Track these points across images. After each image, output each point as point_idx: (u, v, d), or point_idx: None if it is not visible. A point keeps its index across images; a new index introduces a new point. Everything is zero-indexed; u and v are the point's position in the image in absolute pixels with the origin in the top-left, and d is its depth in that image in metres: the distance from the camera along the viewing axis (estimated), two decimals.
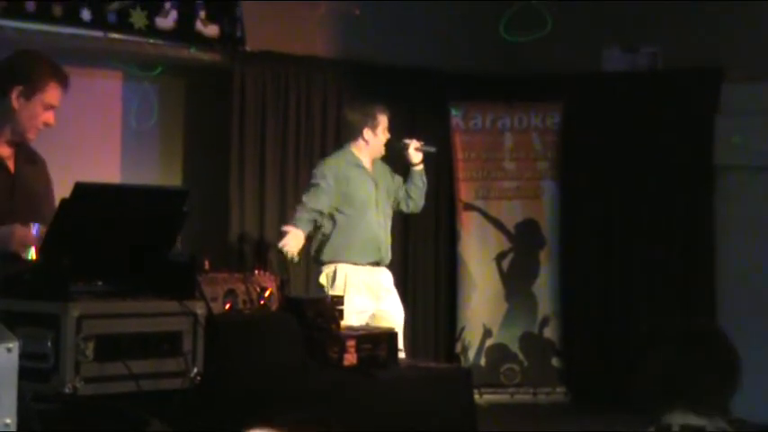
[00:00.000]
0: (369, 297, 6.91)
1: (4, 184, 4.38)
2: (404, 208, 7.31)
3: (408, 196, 7.22)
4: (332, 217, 6.93)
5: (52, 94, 4.39)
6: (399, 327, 6.70)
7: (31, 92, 4.34)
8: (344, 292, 6.59)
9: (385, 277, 7.10)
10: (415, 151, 7.15)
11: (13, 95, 4.33)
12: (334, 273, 6.91)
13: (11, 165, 4.44)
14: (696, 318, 3.16)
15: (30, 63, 4.43)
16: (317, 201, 6.88)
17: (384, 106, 7.28)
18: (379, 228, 7.02)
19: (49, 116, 4.41)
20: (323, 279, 6.96)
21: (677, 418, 3.05)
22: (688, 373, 3.05)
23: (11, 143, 4.43)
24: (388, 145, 7.15)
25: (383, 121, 7.04)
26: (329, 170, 6.95)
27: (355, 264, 6.93)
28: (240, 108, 8.27)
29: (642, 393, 3.09)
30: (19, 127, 4.38)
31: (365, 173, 7.03)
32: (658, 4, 9.08)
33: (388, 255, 7.10)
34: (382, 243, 7.03)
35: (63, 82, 4.41)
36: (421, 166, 7.19)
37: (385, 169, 7.23)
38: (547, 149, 9.32)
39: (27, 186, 4.47)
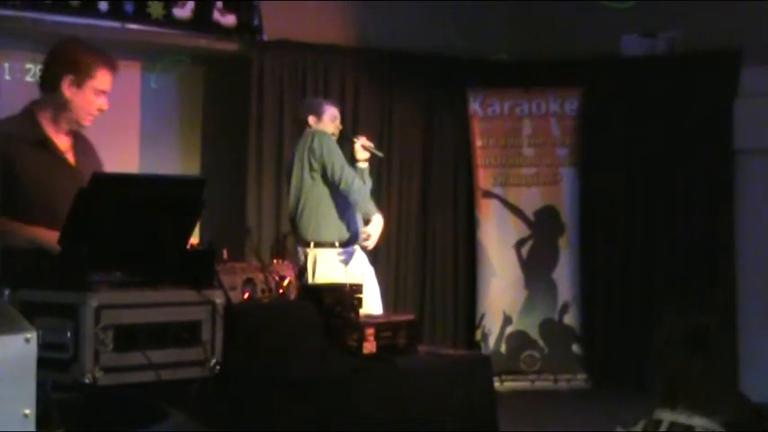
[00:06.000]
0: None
1: (69, 179, 4.35)
2: None
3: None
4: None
5: (102, 79, 4.48)
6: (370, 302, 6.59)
7: (81, 80, 4.42)
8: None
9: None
10: (360, 148, 7.05)
11: (65, 85, 4.41)
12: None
13: (71, 157, 4.51)
14: (701, 319, 3.16)
15: (76, 51, 4.48)
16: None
17: (333, 101, 7.30)
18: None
19: (102, 102, 4.50)
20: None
21: (668, 415, 3.06)
22: (689, 377, 3.06)
23: (68, 133, 4.50)
24: (342, 138, 7.10)
25: (329, 111, 7.01)
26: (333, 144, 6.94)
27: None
28: (258, 97, 8.29)
29: (653, 393, 3.11)
30: (74, 115, 4.46)
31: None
32: None
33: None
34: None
35: (110, 66, 4.52)
36: (363, 165, 7.02)
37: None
38: (565, 135, 9.29)
39: (86, 179, 4.49)
